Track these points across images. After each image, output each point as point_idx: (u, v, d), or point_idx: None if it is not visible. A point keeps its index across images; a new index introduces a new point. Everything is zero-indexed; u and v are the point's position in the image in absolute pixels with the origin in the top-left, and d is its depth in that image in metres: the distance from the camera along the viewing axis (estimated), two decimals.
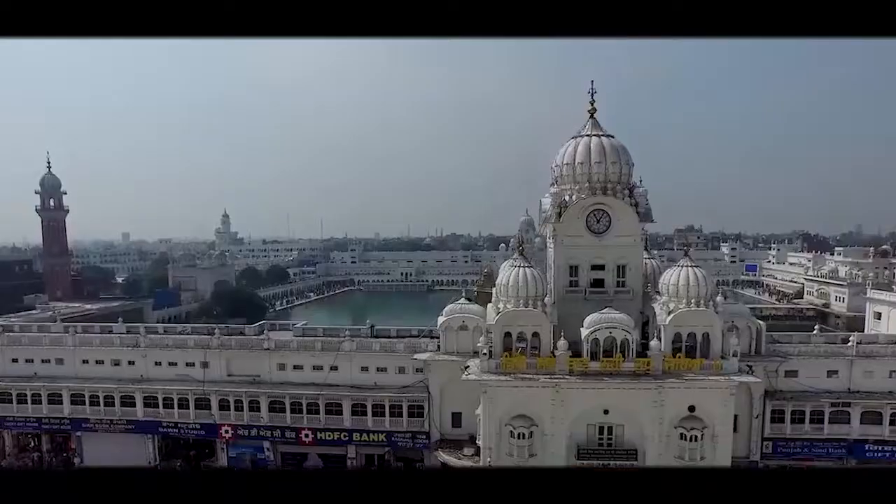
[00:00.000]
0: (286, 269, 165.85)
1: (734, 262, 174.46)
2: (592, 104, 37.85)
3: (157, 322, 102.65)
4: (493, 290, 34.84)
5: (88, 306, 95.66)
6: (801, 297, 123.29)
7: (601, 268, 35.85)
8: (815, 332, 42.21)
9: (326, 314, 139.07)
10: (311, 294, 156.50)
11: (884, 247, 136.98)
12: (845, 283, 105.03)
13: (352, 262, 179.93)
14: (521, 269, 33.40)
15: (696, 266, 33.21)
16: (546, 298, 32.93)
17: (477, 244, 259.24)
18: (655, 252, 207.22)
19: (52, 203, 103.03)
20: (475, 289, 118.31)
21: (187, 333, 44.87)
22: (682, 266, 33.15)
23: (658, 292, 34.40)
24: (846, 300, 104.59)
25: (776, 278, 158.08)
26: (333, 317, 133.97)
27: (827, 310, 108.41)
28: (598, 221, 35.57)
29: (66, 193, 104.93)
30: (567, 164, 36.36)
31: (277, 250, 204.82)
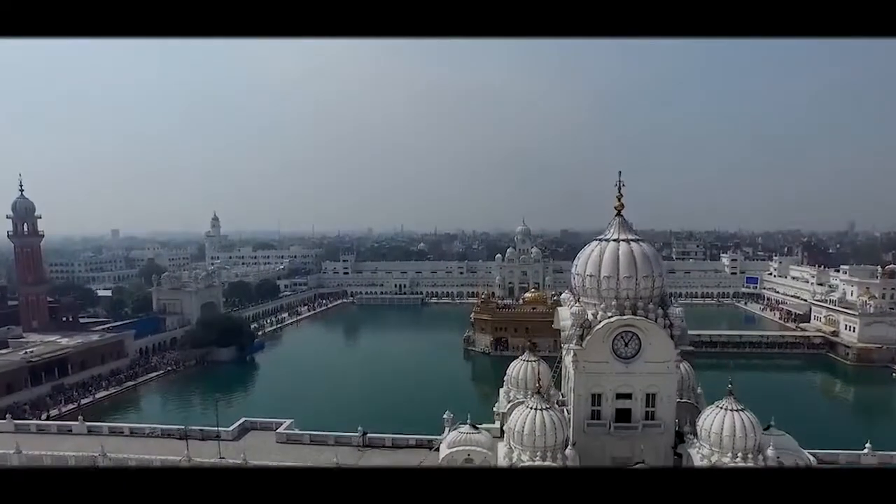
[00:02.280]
0: (277, 281, 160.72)
1: (734, 273, 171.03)
2: (619, 199, 32.88)
3: (139, 353, 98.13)
4: (505, 432, 30.08)
5: (65, 341, 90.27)
6: (808, 321, 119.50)
7: (628, 396, 31.13)
8: (865, 449, 37.64)
9: (320, 333, 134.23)
10: (304, 309, 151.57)
11: (890, 266, 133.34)
12: (857, 313, 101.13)
13: (344, 273, 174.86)
14: (538, 412, 28.59)
15: (741, 410, 28.51)
16: (568, 450, 28.14)
17: (472, 247, 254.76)
18: None
19: (25, 228, 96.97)
20: (472, 316, 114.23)
21: (157, 436, 40.00)
22: (724, 409, 28.47)
23: (695, 433, 29.76)
24: (857, 330, 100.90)
25: (777, 292, 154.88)
26: (327, 338, 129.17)
27: (836, 338, 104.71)
28: (627, 345, 30.78)
29: (40, 217, 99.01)
30: (591, 275, 31.43)
31: (268, 257, 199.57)
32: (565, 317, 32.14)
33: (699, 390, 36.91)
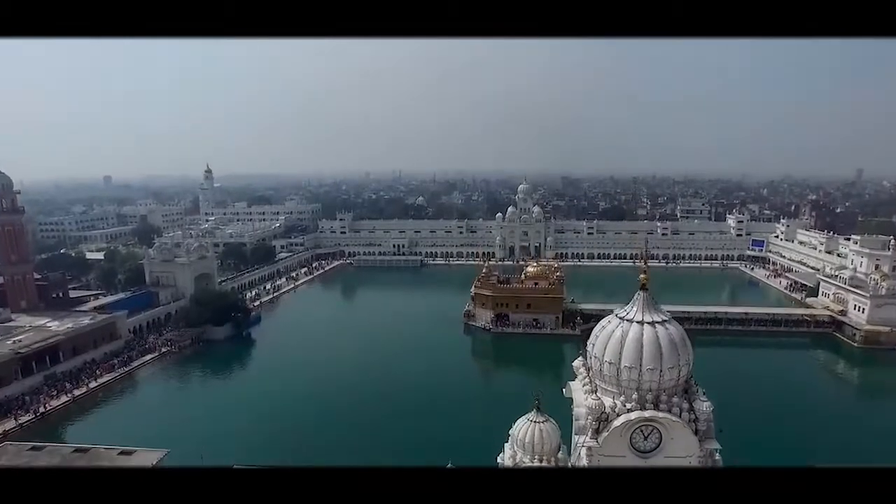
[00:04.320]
0: (273, 242, 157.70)
1: (740, 235, 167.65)
2: (645, 272, 29.04)
3: (132, 332, 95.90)
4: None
5: (55, 325, 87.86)
6: (816, 295, 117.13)
7: None
8: None
9: (318, 302, 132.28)
10: (302, 272, 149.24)
11: None
12: (868, 294, 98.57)
13: (341, 233, 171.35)
14: None
15: None
16: None
17: (472, 198, 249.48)
18: (658, 223, 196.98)
19: (3, 205, 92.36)
20: (472, 290, 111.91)
21: None
22: None
23: None
24: (867, 311, 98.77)
25: (784, 256, 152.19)
26: (325, 308, 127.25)
27: (843, 318, 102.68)
28: (646, 438, 27.96)
29: (19, 193, 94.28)
30: (610, 362, 28.10)
31: (263, 213, 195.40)
32: (579, 402, 29.12)
33: (717, 457, 34.57)
